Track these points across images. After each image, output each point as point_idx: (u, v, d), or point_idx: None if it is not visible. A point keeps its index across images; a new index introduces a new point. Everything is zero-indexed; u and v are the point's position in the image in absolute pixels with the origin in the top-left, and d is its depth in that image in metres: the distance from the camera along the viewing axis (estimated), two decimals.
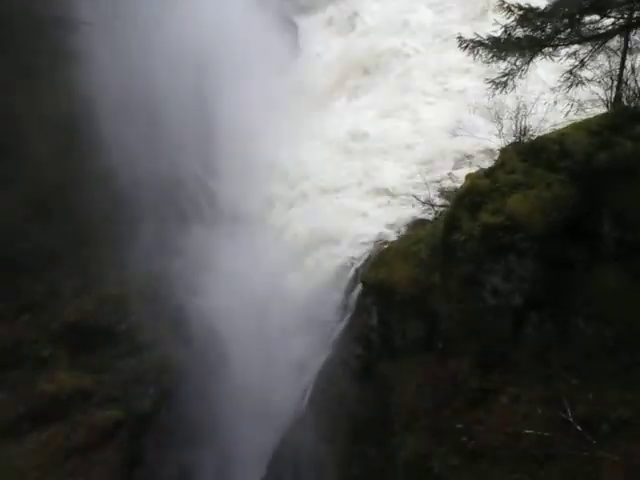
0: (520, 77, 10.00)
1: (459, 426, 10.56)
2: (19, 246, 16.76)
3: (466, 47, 10.56)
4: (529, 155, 10.58)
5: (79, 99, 17.03)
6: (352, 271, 17.52)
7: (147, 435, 15.86)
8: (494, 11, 23.38)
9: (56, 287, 16.98)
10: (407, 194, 17.74)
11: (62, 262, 17.30)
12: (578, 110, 12.42)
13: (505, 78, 10.02)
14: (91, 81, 17.37)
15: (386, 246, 15.15)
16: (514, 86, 9.91)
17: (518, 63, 9.85)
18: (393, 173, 19.15)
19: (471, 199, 10.99)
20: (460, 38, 10.58)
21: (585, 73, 10.54)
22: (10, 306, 16.32)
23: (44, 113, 17.33)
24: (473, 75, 20.49)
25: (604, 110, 11.25)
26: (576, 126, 10.55)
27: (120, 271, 17.27)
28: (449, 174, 16.23)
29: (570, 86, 10.17)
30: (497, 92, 10.00)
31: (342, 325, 17.31)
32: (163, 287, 17.33)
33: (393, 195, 18.53)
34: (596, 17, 9.53)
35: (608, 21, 9.58)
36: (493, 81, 10.00)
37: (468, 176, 11.71)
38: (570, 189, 9.74)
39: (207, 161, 20.69)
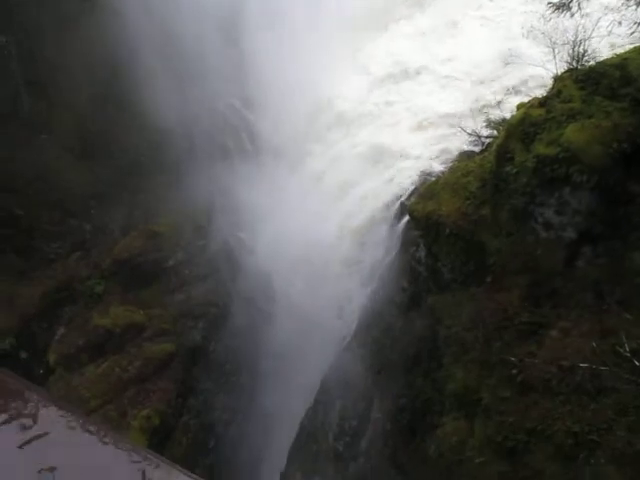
0: None
1: (510, 359, 10.59)
2: (67, 189, 17.02)
3: None
4: (587, 82, 10.04)
5: (115, 49, 16.79)
6: (397, 204, 17.36)
7: (199, 366, 16.41)
8: None
9: (104, 226, 17.30)
10: (453, 125, 17.25)
11: (109, 202, 17.56)
12: None
13: None
14: (126, 30, 17.07)
15: (433, 179, 14.84)
16: (578, 7, 9.29)
17: None
18: (438, 103, 18.56)
19: (524, 130, 10.58)
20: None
21: None
22: (62, 245, 16.75)
23: (81, 64, 17.10)
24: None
25: None
26: (639, 50, 9.91)
27: (167, 209, 17.45)
28: (498, 103, 15.58)
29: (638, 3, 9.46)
30: (557, 14, 9.40)
31: (387, 259, 17.35)
32: (209, 223, 17.50)
33: (438, 126, 18.04)
34: None
35: None
36: (553, 3, 9.39)
37: (521, 106, 11.23)
38: (632, 118, 9.26)
39: (247, 95, 20.34)
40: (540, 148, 10.05)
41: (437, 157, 17.06)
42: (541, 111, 10.37)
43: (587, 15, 12.03)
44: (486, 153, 13.59)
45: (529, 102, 11.46)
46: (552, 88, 10.91)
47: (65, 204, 16.90)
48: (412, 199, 16.20)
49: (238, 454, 16.84)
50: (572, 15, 9.40)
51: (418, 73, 19.92)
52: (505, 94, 16.46)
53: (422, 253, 14.28)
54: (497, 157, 11.33)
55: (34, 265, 16.27)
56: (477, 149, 15.80)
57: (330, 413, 17.48)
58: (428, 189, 13.78)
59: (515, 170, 10.55)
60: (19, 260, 15.97)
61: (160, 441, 14.29)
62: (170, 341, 15.85)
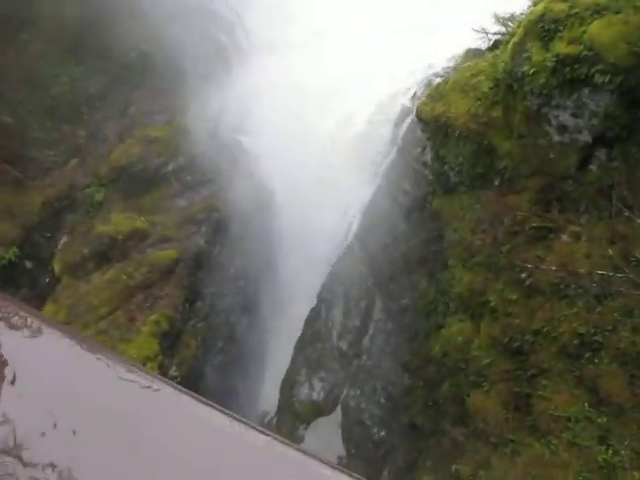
0: None
1: (518, 263, 10.69)
2: (56, 90, 16.28)
3: None
4: None
5: None
6: (400, 104, 16.84)
7: (203, 271, 16.53)
8: None
9: (100, 131, 16.74)
10: (457, 21, 16.39)
11: (103, 104, 16.88)
12: None
13: None
14: None
15: (440, 79, 14.29)
16: None
17: None
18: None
19: (544, 27, 10.01)
20: None
21: None
22: (58, 152, 16.27)
23: None
24: None
25: None
26: None
27: (163, 112, 16.84)
28: None
29: None
30: None
31: (389, 159, 17.08)
32: (208, 126, 16.99)
33: (442, 22, 17.16)
34: None
35: None
36: None
37: (541, 0, 10.55)
38: None
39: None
40: (561, 47, 9.57)
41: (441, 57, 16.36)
42: (563, 6, 9.76)
43: None
44: (497, 51, 13.01)
45: None
46: None
47: (56, 110, 16.22)
48: (417, 99, 15.73)
49: (245, 353, 17.38)
50: None
51: None
52: None
53: (428, 156, 14.03)
54: (512, 56, 10.82)
55: (31, 174, 15.88)
56: (483, 46, 15.15)
57: (333, 312, 17.92)
58: (436, 90, 13.29)
59: (532, 70, 10.10)
60: (14, 169, 15.55)
61: (170, 344, 14.62)
62: (174, 247, 15.83)
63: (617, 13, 8.98)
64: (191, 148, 16.47)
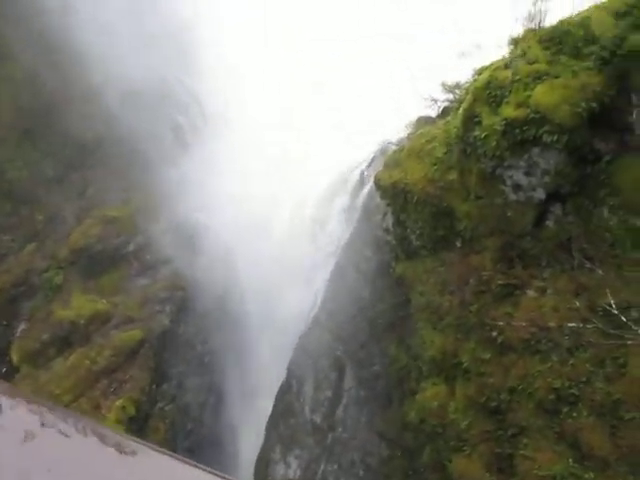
0: None
1: (488, 321, 10.76)
2: (14, 175, 16.15)
3: None
4: (551, 42, 10.05)
5: (58, 13, 15.83)
6: (357, 173, 17.27)
7: (169, 350, 16.11)
8: None
9: (58, 213, 16.54)
10: (404, 88, 17.15)
11: (60, 187, 16.77)
12: None
13: None
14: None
15: (395, 147, 14.77)
16: None
17: None
18: (389, 71, 18.43)
19: (491, 93, 10.55)
20: None
21: None
22: (15, 237, 15.95)
23: (20, 35, 16.03)
24: None
25: None
26: (600, 7, 9.94)
27: (120, 192, 16.81)
28: (454, 66, 15.49)
29: None
30: None
31: (350, 228, 17.30)
32: (166, 205, 17.00)
33: (390, 88, 17.95)
34: None
35: None
36: None
37: (485, 69, 11.15)
38: (598, 76, 9.33)
39: (193, 66, 19.69)
40: (509, 111, 10.05)
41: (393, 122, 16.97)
42: (507, 73, 10.34)
43: None
44: (448, 118, 13.58)
45: (492, 65, 11.41)
46: (515, 49, 10.88)
47: (13, 193, 16.04)
48: (373, 169, 16.18)
49: (215, 434, 16.75)
50: None
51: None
52: (458, 58, 16.39)
53: (389, 222, 14.26)
54: (463, 121, 11.29)
55: None
56: (433, 113, 15.83)
57: (304, 386, 17.55)
58: (392, 158, 13.70)
59: (484, 134, 10.54)
60: None
61: (138, 428, 14.01)
62: (138, 328, 15.45)
63: (557, 78, 9.55)
64: (150, 227, 16.39)
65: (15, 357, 14.46)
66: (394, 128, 15.56)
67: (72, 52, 15.81)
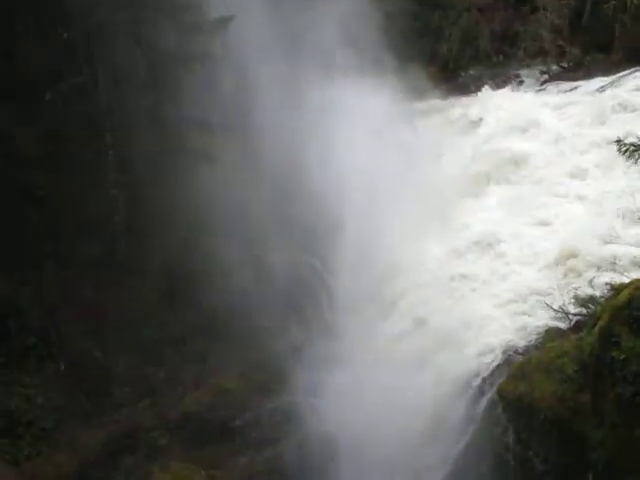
0: None
1: None
2: (146, 332, 17.23)
3: (626, 151, 10.10)
4: None
5: (205, 196, 17.88)
6: (479, 380, 16.49)
7: None
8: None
9: (177, 375, 17.13)
10: (536, 301, 16.76)
11: (184, 350, 17.54)
12: None
13: None
14: (217, 180, 18.27)
15: (521, 357, 14.14)
16: None
17: None
18: (523, 277, 18.20)
19: (631, 313, 10.04)
20: (619, 142, 10.14)
21: None
22: (133, 390, 16.58)
23: (171, 207, 18.08)
24: (611, 177, 19.78)
25: None
26: None
27: (239, 364, 17.23)
28: (590, 282, 15.15)
29: None
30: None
31: (465, 439, 16.14)
32: (280, 383, 17.06)
33: (521, 301, 17.52)
34: None
35: None
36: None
37: (626, 286, 10.79)
38: None
39: (327, 255, 20.77)
40: None
41: (519, 332, 16.42)
42: None
43: None
44: (581, 333, 12.94)
45: (632, 283, 11.02)
46: None
47: (143, 349, 16.98)
48: (496, 377, 15.42)
49: None
50: None
51: (496, 243, 19.82)
52: (596, 271, 15.99)
53: (510, 439, 13.20)
54: (599, 340, 10.69)
55: (102, 409, 16.04)
56: (563, 326, 15.18)
57: None
58: (519, 369, 13.09)
59: (623, 356, 9.86)
60: (89, 403, 15.82)
61: None
62: None
63: None
64: (262, 404, 16.38)
65: None
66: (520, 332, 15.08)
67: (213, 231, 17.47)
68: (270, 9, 20.28)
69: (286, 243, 20.00)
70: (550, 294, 16.13)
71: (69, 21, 16.36)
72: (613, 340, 10.33)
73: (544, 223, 19.36)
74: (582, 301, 14.67)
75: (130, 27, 16.54)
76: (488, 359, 16.59)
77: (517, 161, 23.20)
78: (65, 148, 16.60)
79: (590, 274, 15.92)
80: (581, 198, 19.63)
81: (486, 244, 19.52)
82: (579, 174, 20.83)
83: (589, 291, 15.25)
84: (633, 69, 25.74)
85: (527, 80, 32.37)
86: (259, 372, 17.20)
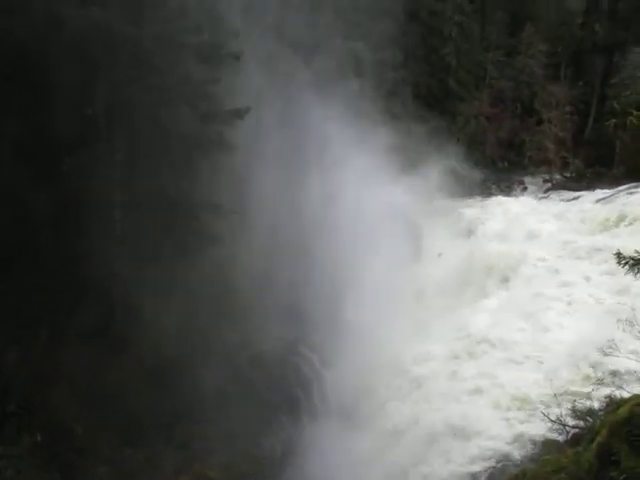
0: None
1: None
2: (131, 411, 16.67)
3: (625, 264, 10.16)
4: None
5: (204, 278, 17.95)
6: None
7: None
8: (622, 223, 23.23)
9: (158, 459, 16.46)
10: (533, 409, 16.39)
11: (168, 434, 16.96)
12: None
13: None
14: (219, 262, 18.41)
15: (516, 469, 13.63)
16: None
17: None
18: (518, 385, 17.84)
19: (632, 431, 9.72)
20: (619, 255, 10.21)
21: None
22: (110, 471, 15.90)
23: (170, 286, 18.04)
24: (607, 287, 19.82)
25: None
26: None
27: (223, 451, 16.63)
28: (588, 394, 14.82)
29: None
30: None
31: None
32: (268, 471, 16.45)
33: (517, 409, 17.12)
34: None
35: None
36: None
37: (626, 401, 10.52)
38: None
39: (323, 346, 20.60)
40: None
41: (514, 442, 15.95)
42: None
43: None
44: (579, 447, 12.50)
45: (633, 399, 10.75)
46: None
47: (125, 429, 16.39)
48: None
49: None
50: None
51: (494, 347, 19.59)
52: (594, 383, 15.69)
53: None
54: (598, 457, 10.30)
55: None
56: (561, 438, 14.72)
57: None
58: None
59: (623, 476, 9.48)
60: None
61: None
62: None
63: None
64: None
65: None
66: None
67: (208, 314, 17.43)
68: (282, 104, 21.18)
69: (283, 331, 19.89)
70: (548, 404, 15.82)
71: (95, 98, 16.92)
72: (612, 459, 9.96)
73: (543, 329, 19.21)
74: (580, 413, 14.29)
75: (152, 109, 17.09)
76: (482, 468, 16.04)
77: (516, 265, 23.47)
78: (74, 215, 16.76)
79: (589, 385, 15.66)
80: (580, 305, 19.58)
81: (484, 347, 19.31)
82: (579, 281, 20.85)
83: (588, 403, 14.92)
84: (633, 184, 26.41)
85: (531, 187, 33.43)
86: (245, 462, 16.59)
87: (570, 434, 14.34)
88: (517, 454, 15.32)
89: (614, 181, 29.17)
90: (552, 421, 14.90)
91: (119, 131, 17.14)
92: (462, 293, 22.98)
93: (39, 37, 14.44)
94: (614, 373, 15.17)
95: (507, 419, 16.83)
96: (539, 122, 35.01)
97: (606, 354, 12.95)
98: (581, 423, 14.00)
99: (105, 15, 15.07)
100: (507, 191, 32.28)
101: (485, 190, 30.75)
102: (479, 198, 29.68)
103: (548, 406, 15.63)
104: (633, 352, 12.92)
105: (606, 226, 24.01)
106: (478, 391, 17.98)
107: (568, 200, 29.16)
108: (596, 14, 37.60)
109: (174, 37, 17.16)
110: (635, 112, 32.33)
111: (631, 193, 25.49)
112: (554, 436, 14.77)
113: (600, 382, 15.45)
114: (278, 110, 21.04)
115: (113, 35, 15.44)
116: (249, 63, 19.75)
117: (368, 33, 25.58)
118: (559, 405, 15.17)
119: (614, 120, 33.19)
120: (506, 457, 15.50)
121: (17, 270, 16.43)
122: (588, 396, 15.24)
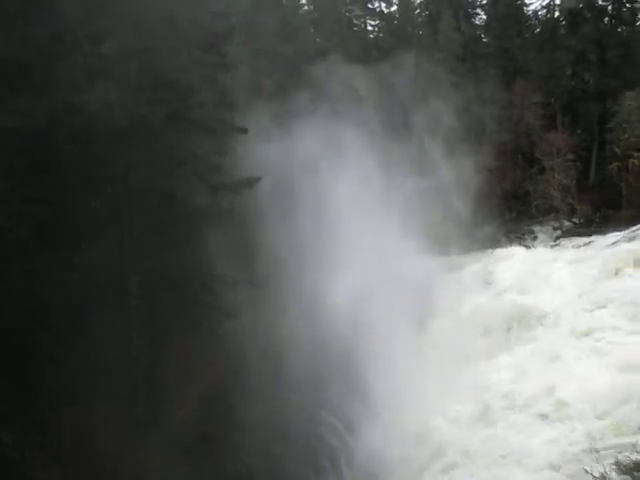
0: None
1: None
2: None
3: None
4: None
5: (223, 354, 17.78)
6: None
7: None
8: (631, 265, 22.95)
9: None
10: (575, 465, 15.64)
11: None
12: None
13: None
14: (236, 338, 18.25)
15: None
16: None
17: None
18: (551, 441, 17.19)
19: None
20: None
21: None
22: None
23: (190, 365, 17.79)
24: (623, 332, 19.49)
25: None
26: None
27: None
28: (634, 445, 14.21)
29: None
30: None
31: None
32: None
33: (558, 468, 16.42)
34: None
35: None
36: None
37: None
38: None
39: (349, 414, 20.16)
40: None
41: None
42: None
43: None
44: None
45: None
46: None
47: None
48: None
49: None
50: None
51: (525, 404, 19.01)
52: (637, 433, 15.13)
53: None
54: None
55: None
56: None
57: None
58: None
59: None
60: None
61: None
62: None
63: None
64: None
65: None
66: None
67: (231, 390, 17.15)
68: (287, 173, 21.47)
69: (306, 401, 19.44)
70: (588, 459, 15.18)
71: (113, 178, 16.89)
72: None
73: (568, 379, 18.62)
74: (626, 468, 13.68)
75: (163, 184, 17.07)
76: None
77: (531, 317, 23.08)
78: (90, 300, 16.56)
79: (632, 436, 15.10)
80: (601, 355, 19.04)
81: (511, 405, 18.79)
82: (597, 330, 20.35)
83: (633, 457, 14.31)
84: None
85: (541, 235, 33.44)
86: None
87: None
88: None
89: (623, 222, 29.20)
90: (596, 478, 14.33)
91: (136, 208, 17.13)
92: (477, 348, 22.65)
93: (56, 123, 14.69)
94: None
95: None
96: (541, 171, 35.36)
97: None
98: (628, 478, 13.45)
99: (120, 96, 15.34)
100: (518, 241, 32.30)
101: (496, 242, 30.74)
102: (491, 250, 29.66)
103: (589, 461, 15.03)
104: None
105: (621, 269, 23.74)
106: (512, 452, 17.36)
107: (580, 246, 29.13)
108: (585, 64, 38.50)
109: (184, 114, 17.42)
110: (636, 153, 32.76)
111: None
112: None
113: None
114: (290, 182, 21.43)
115: (129, 116, 15.69)
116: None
117: None
118: (601, 461, 14.53)
119: (617, 163, 33.57)
120: None
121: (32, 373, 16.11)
122: (634, 448, 14.60)
